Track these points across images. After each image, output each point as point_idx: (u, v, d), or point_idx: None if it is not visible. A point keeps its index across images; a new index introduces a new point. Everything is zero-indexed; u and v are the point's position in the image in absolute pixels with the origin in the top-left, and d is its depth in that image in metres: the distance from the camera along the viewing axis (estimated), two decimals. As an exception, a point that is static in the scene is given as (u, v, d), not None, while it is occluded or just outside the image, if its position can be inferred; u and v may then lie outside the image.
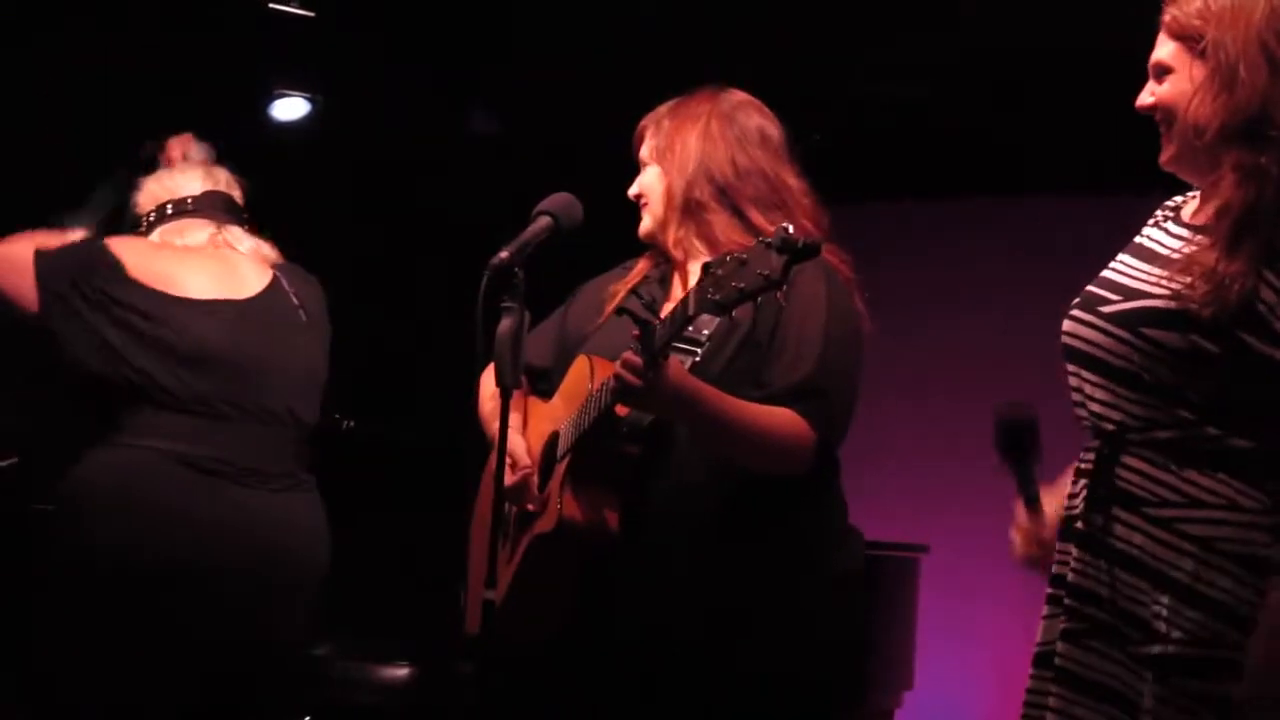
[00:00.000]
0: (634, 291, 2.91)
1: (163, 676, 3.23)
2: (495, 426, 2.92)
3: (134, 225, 3.62)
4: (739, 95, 3.01)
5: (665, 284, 2.99)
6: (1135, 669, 2.27)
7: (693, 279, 2.89)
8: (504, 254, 2.67)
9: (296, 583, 3.37)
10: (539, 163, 5.68)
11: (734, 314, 2.45)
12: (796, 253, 2.36)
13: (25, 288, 3.34)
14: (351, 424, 5.55)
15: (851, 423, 2.83)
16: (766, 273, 2.36)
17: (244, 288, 3.51)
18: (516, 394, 2.77)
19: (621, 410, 2.70)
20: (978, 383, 6.21)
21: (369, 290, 6.66)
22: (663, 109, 3.03)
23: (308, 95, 5.94)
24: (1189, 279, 2.27)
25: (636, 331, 2.55)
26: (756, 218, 2.88)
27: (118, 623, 3.20)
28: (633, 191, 3.03)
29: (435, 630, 3.10)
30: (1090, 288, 2.42)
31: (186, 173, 3.65)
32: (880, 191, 6.41)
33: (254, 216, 3.69)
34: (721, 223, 2.89)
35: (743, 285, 2.38)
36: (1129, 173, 2.49)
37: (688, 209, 2.92)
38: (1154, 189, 2.52)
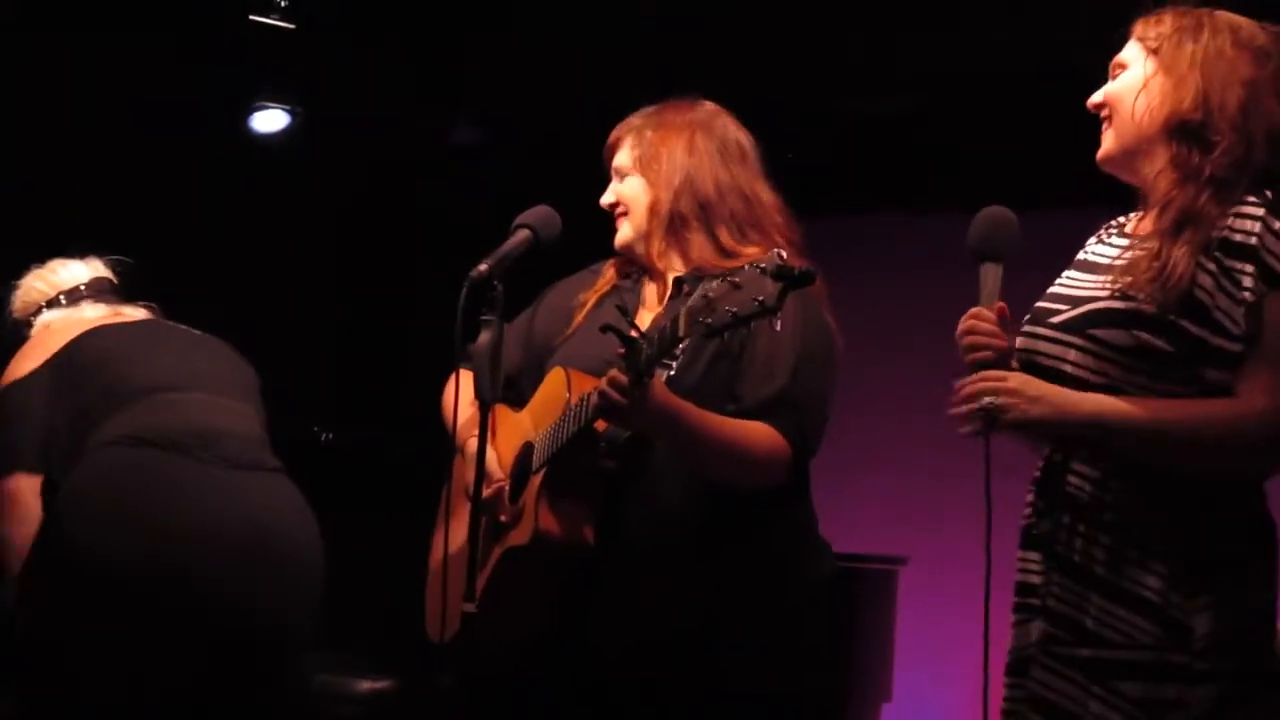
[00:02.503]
0: (612, 304, 2.89)
1: (157, 656, 3.23)
2: (466, 433, 2.93)
3: (20, 328, 3.69)
4: (711, 106, 3.01)
5: (635, 293, 2.98)
6: (1063, 672, 2.34)
7: (663, 288, 2.91)
8: (483, 266, 2.68)
9: (278, 559, 3.35)
10: (523, 172, 5.69)
11: (726, 336, 2.43)
12: (792, 280, 2.35)
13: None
14: (330, 435, 5.55)
15: (825, 435, 2.84)
16: (761, 298, 2.34)
17: (123, 319, 3.67)
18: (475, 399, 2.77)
19: (599, 425, 2.70)
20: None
21: (349, 302, 6.68)
22: (638, 119, 3.01)
23: (288, 107, 5.94)
24: (1130, 278, 2.34)
25: (622, 350, 2.55)
26: (725, 237, 2.88)
27: (109, 616, 3.20)
28: (608, 200, 3.00)
29: (416, 643, 3.09)
30: (1039, 303, 2.49)
31: (67, 265, 3.74)
32: (864, 204, 6.42)
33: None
34: (698, 240, 2.89)
35: (736, 310, 2.37)
36: (1114, 187, 2.53)
37: (672, 223, 2.91)
38: (1135, 203, 2.54)
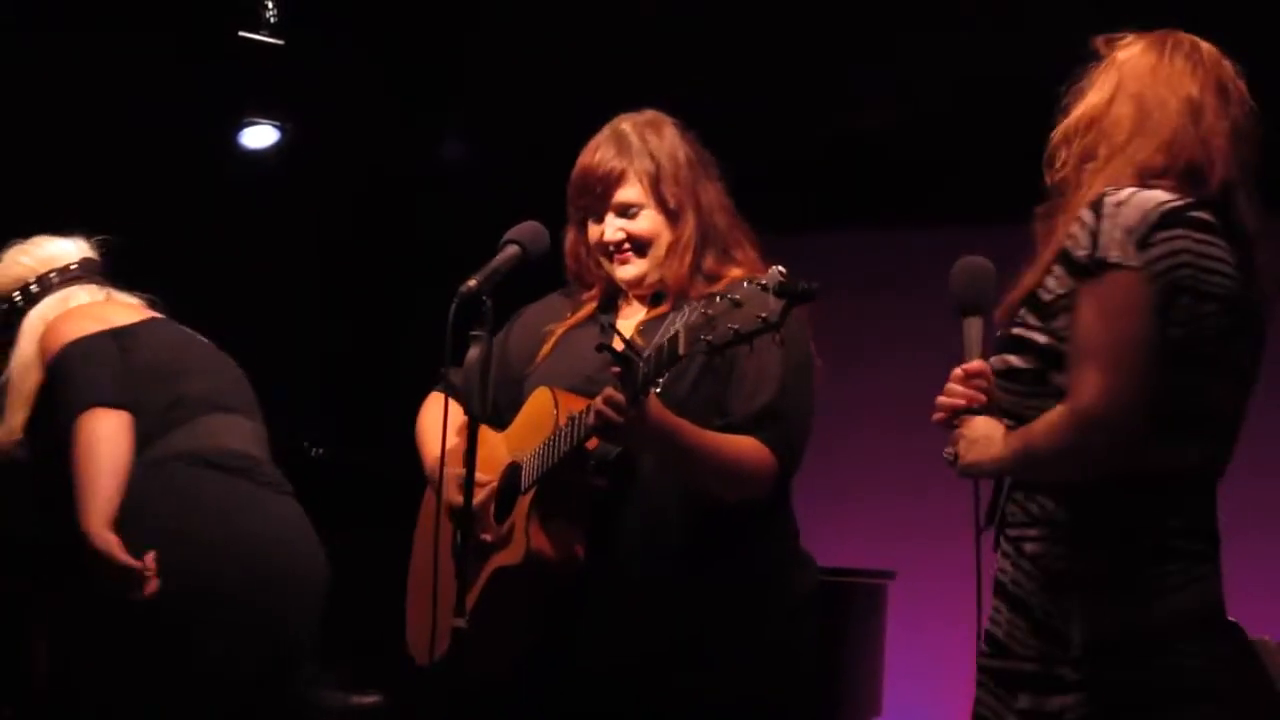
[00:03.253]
0: (590, 329, 2.89)
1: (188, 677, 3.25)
2: (436, 461, 2.92)
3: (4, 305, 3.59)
4: (662, 115, 2.98)
5: (610, 320, 2.96)
6: (985, 684, 2.39)
7: (638, 313, 2.92)
8: (472, 282, 2.67)
9: (303, 578, 3.43)
10: (512, 188, 5.69)
11: (726, 353, 2.42)
12: (795, 296, 2.35)
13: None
14: (321, 451, 5.54)
15: (812, 451, 2.85)
16: (764, 315, 2.34)
17: (146, 314, 3.63)
18: (461, 421, 2.76)
19: (589, 443, 2.70)
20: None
21: (338, 317, 6.67)
22: (617, 147, 2.92)
23: (277, 123, 5.94)
24: (1009, 303, 2.40)
25: (617, 368, 2.55)
26: (711, 261, 2.89)
27: (147, 637, 3.21)
28: (615, 238, 2.92)
29: (405, 658, 3.10)
30: None
31: (53, 241, 3.65)
32: (852, 220, 6.43)
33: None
34: (695, 265, 2.89)
35: (737, 327, 2.36)
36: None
37: (695, 254, 2.88)
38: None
